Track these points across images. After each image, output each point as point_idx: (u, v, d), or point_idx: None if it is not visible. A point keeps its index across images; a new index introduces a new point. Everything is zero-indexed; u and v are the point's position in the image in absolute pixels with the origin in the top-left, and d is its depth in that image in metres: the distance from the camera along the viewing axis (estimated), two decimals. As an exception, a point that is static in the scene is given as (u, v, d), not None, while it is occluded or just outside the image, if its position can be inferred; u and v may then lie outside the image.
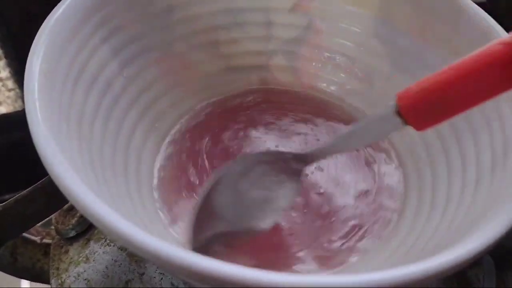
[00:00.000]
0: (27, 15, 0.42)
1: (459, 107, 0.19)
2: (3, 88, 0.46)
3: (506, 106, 0.21)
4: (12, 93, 0.46)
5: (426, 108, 0.19)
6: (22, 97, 0.46)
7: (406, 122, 0.19)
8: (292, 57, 0.29)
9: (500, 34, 0.23)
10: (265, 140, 0.27)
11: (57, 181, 0.16)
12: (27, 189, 0.25)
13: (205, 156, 0.26)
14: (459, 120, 0.23)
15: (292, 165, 0.23)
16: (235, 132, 0.27)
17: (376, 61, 0.28)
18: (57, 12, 0.21)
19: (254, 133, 0.27)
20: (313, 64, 0.29)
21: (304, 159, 0.23)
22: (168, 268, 0.15)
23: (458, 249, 0.15)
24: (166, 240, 0.21)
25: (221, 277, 0.14)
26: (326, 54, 0.29)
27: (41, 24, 0.21)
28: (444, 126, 0.24)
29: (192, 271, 0.14)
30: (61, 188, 0.16)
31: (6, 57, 0.45)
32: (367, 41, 0.28)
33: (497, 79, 0.17)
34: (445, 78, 0.18)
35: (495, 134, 0.21)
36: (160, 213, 0.23)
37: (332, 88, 0.29)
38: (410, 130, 0.26)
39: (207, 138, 0.27)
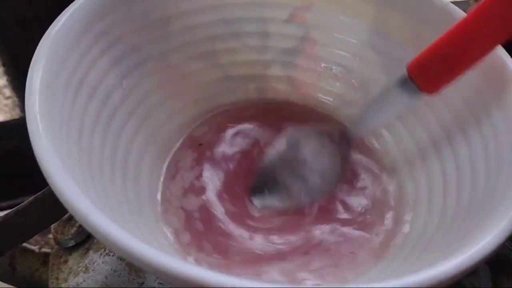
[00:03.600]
0: (25, 24, 0.42)
1: (463, 61, 0.20)
2: (0, 96, 0.46)
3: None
4: (9, 101, 0.46)
5: (432, 67, 0.21)
6: (19, 106, 0.46)
7: (418, 86, 0.21)
8: (289, 67, 0.29)
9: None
10: (267, 148, 0.27)
11: (58, 193, 0.16)
12: (28, 200, 0.25)
13: (204, 166, 0.26)
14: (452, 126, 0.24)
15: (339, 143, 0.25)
16: (236, 142, 0.27)
17: (372, 70, 0.28)
18: (58, 24, 0.21)
19: (255, 141, 0.27)
20: (310, 74, 0.29)
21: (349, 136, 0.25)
22: (168, 279, 0.16)
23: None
24: (165, 250, 0.21)
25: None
26: (323, 64, 0.29)
27: (38, 33, 0.21)
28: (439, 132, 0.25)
29: (193, 282, 0.14)
30: (62, 200, 0.16)
31: (3, 65, 0.45)
32: (362, 51, 0.28)
33: (491, 29, 0.19)
34: (445, 36, 0.21)
35: (488, 139, 0.22)
36: (160, 224, 0.23)
37: (329, 98, 0.29)
38: (404, 137, 0.27)
39: (206, 148, 0.27)
